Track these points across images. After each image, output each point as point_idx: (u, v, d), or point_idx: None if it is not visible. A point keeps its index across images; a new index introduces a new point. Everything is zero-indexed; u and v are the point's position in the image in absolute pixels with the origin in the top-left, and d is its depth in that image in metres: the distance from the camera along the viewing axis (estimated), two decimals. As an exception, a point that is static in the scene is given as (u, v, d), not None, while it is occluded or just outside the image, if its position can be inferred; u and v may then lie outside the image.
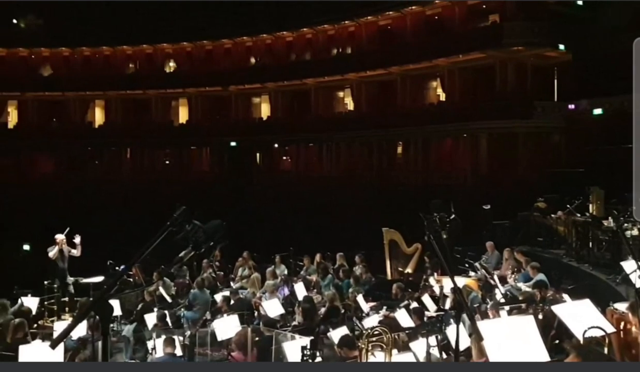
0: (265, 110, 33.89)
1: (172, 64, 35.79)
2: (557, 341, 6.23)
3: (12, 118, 36.14)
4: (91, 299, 11.08)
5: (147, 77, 34.86)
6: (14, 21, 35.77)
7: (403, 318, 8.95)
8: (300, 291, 11.25)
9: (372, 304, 10.81)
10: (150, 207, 27.50)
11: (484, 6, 26.40)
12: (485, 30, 25.93)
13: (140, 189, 31.27)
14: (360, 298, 10.63)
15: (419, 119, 27.17)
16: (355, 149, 30.53)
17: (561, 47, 23.95)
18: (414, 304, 9.68)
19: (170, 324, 9.76)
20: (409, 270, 13.56)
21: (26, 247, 26.51)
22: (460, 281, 9.96)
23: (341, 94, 32.37)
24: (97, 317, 2.42)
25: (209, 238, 3.09)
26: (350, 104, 31.56)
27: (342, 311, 10.36)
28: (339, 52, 31.48)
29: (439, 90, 28.67)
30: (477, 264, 11.62)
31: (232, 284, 13.17)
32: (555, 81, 25.51)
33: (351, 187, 26.91)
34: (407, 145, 29.23)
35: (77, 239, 11.51)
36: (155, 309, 10.08)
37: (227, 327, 8.51)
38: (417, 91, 28.99)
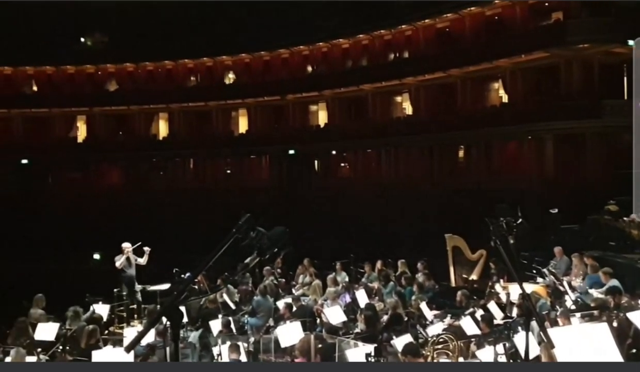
0: (322, 118, 34.04)
1: (231, 75, 36.54)
2: (634, 351, 5.92)
3: (81, 132, 37.75)
4: (159, 306, 11.39)
5: (207, 89, 35.72)
6: (82, 40, 37.42)
7: (468, 326, 8.76)
8: (361, 298, 11.17)
9: (435, 311, 10.62)
10: (212, 216, 28.15)
11: (546, 4, 25.62)
12: (548, 29, 25.14)
13: (203, 198, 32.01)
14: (423, 306, 10.45)
15: (481, 122, 26.59)
16: (414, 154, 30.19)
17: (630, 42, 22.90)
18: (480, 312, 9.45)
19: (234, 330, 9.88)
20: (473, 277, 13.25)
21: (96, 256, 27.60)
22: (528, 288, 9.63)
23: (399, 98, 32.12)
24: (168, 322, 2.46)
25: (273, 244, 3.10)
26: (408, 109, 31.26)
27: (405, 319, 10.22)
28: (396, 57, 31.28)
29: (501, 92, 27.98)
30: (545, 270, 11.23)
31: (293, 291, 13.24)
32: (625, 78, 24.42)
33: (411, 193, 26.59)
34: (469, 148, 28.66)
35: (147, 250, 11.87)
36: (220, 316, 10.23)
37: (290, 333, 8.53)
38: (478, 93, 28.39)
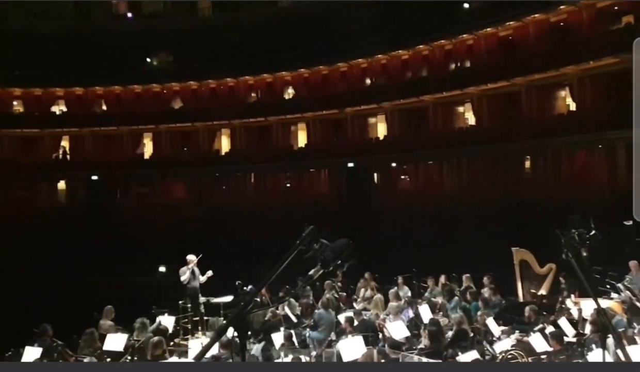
0: (381, 130, 33.85)
1: (290, 90, 36.97)
2: None
3: (148, 149, 39.04)
4: (222, 318, 11.54)
5: (267, 104, 36.26)
6: (148, 60, 38.82)
7: (538, 342, 8.49)
8: (425, 313, 11.00)
9: (503, 327, 10.33)
10: (272, 229, 28.42)
11: (616, 8, 24.59)
12: (618, 33, 24.08)
13: (263, 211, 32.38)
14: (490, 321, 10.17)
15: (548, 131, 25.69)
16: (478, 165, 29.51)
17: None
18: (550, 328, 9.12)
19: (296, 343, 9.87)
20: (542, 292, 12.77)
21: (162, 269, 28.36)
22: (602, 304, 9.18)
23: (461, 109, 31.55)
24: (235, 333, 2.45)
25: (336, 256, 3.06)
26: (471, 119, 30.65)
27: (471, 335, 9.99)
28: (457, 67, 30.80)
29: (569, 100, 27.00)
30: (620, 285, 10.70)
31: (354, 304, 13.14)
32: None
33: (475, 205, 25.95)
34: (535, 159, 27.75)
35: (209, 274, 12.01)
36: (282, 329, 10.26)
37: (352, 348, 8.46)
38: (544, 102, 27.49)
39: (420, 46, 31.25)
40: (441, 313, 11.40)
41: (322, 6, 34.30)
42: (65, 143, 38.51)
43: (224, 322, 2.63)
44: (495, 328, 9.96)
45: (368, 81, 34.43)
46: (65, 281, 26.50)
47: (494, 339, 9.60)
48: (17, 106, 37.61)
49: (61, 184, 38.72)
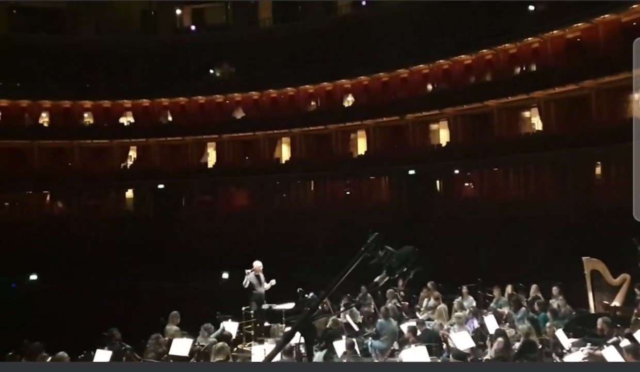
0: (444, 136, 33.29)
1: (350, 98, 36.98)
2: None
3: (211, 158, 39.94)
4: (283, 325, 11.59)
5: (327, 112, 36.39)
6: (211, 71, 39.78)
7: (612, 356, 8.11)
8: (491, 323, 10.72)
9: (573, 339, 9.95)
10: (332, 237, 28.43)
11: (694, 4, 23.33)
12: (696, 31, 22.85)
13: (323, 219, 32.46)
14: (559, 333, 9.81)
15: (620, 135, 24.52)
16: (545, 171, 28.52)
17: None
18: (625, 341, 8.71)
19: (358, 352, 9.80)
20: (616, 303, 12.17)
21: (225, 275, 28.89)
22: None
23: (527, 113, 30.61)
24: (302, 339, 2.44)
25: (402, 264, 2.99)
26: (537, 124, 29.68)
27: (539, 346, 9.67)
28: (522, 71, 29.94)
29: (642, 103, 25.77)
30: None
31: (417, 314, 12.94)
32: None
33: (543, 213, 25.07)
34: (607, 164, 26.55)
35: (272, 282, 12.13)
36: (344, 337, 10.20)
37: (415, 358, 8.30)
38: (616, 105, 26.28)
39: (484, 50, 30.58)
40: (507, 324, 11.10)
41: (382, 12, 34.22)
42: (132, 153, 39.93)
43: (291, 328, 2.61)
44: (565, 340, 9.63)
45: (430, 87, 33.97)
46: (133, 286, 27.40)
47: (564, 351, 9.30)
48: (88, 118, 39.29)
49: (129, 193, 40.13)
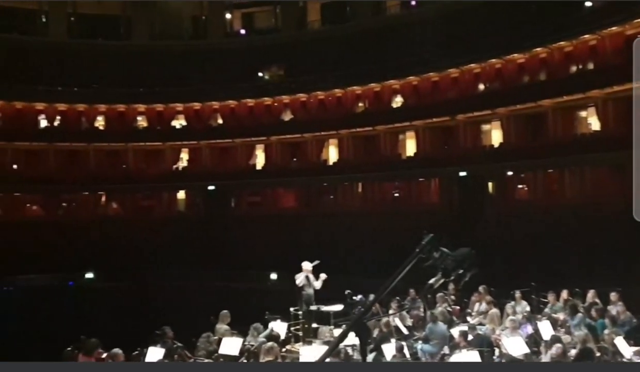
0: (496, 137, 32.53)
1: (398, 98, 36.62)
2: None
3: (260, 160, 40.33)
4: (331, 326, 11.55)
5: (375, 113, 36.16)
6: (259, 74, 40.19)
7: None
8: (545, 329, 10.44)
9: (635, 348, 9.55)
10: (380, 239, 28.25)
11: None
12: None
13: (371, 221, 32.28)
14: (619, 340, 9.43)
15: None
16: (603, 173, 27.49)
17: None
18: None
19: (408, 355, 9.67)
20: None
21: (273, 275, 29.12)
22: None
23: (583, 113, 29.58)
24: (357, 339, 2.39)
25: (458, 265, 2.91)
26: (595, 124, 28.65)
27: (597, 354, 9.32)
28: (579, 69, 28.96)
29: None
30: None
31: (468, 318, 12.68)
32: None
33: (600, 216, 24.18)
34: (668, 166, 25.39)
35: (323, 276, 12.14)
36: (393, 340, 10.09)
37: (467, 363, 8.11)
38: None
39: (538, 49, 29.75)
40: (563, 330, 10.76)
41: (430, 12, 33.80)
42: (184, 155, 40.76)
43: (345, 327, 2.57)
44: (625, 349, 9.24)
45: (481, 86, 33.29)
46: (184, 285, 27.94)
47: (624, 360, 8.91)
48: (141, 121, 40.33)
49: (181, 194, 40.97)
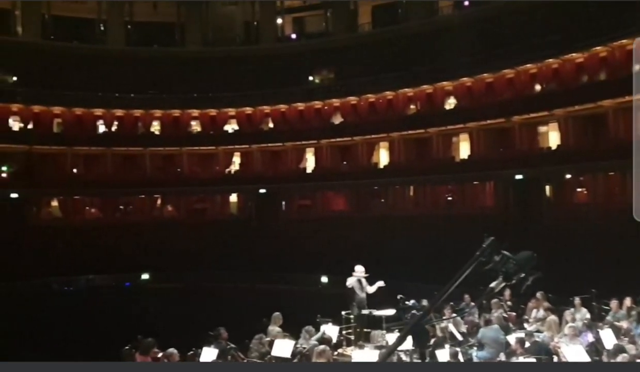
0: (553, 139, 31.55)
1: (451, 100, 36.07)
2: None
3: (310, 163, 40.50)
4: (384, 331, 11.41)
5: (427, 116, 35.72)
6: (310, 78, 40.37)
7: None
8: (607, 338, 10.00)
9: None
10: (433, 243, 27.83)
11: None
12: None
13: (424, 224, 31.85)
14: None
15: None
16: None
17: None
18: None
19: (462, 362, 9.44)
20: None
21: (324, 279, 29.13)
22: None
23: (647, 113, 28.36)
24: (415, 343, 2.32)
25: (520, 269, 2.80)
26: (659, 125, 27.38)
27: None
28: (640, 68, 27.77)
29: None
30: None
31: (525, 325, 12.30)
32: None
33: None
34: None
35: (380, 283, 11.97)
36: (447, 346, 9.89)
37: None
38: None
39: (597, 48, 28.72)
40: (627, 339, 10.27)
41: (484, 12, 33.14)
42: (236, 159, 41.36)
43: (404, 330, 2.50)
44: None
45: (538, 87, 32.37)
46: (236, 287, 28.29)
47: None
48: (195, 126, 41.21)
49: (233, 197, 41.58)
